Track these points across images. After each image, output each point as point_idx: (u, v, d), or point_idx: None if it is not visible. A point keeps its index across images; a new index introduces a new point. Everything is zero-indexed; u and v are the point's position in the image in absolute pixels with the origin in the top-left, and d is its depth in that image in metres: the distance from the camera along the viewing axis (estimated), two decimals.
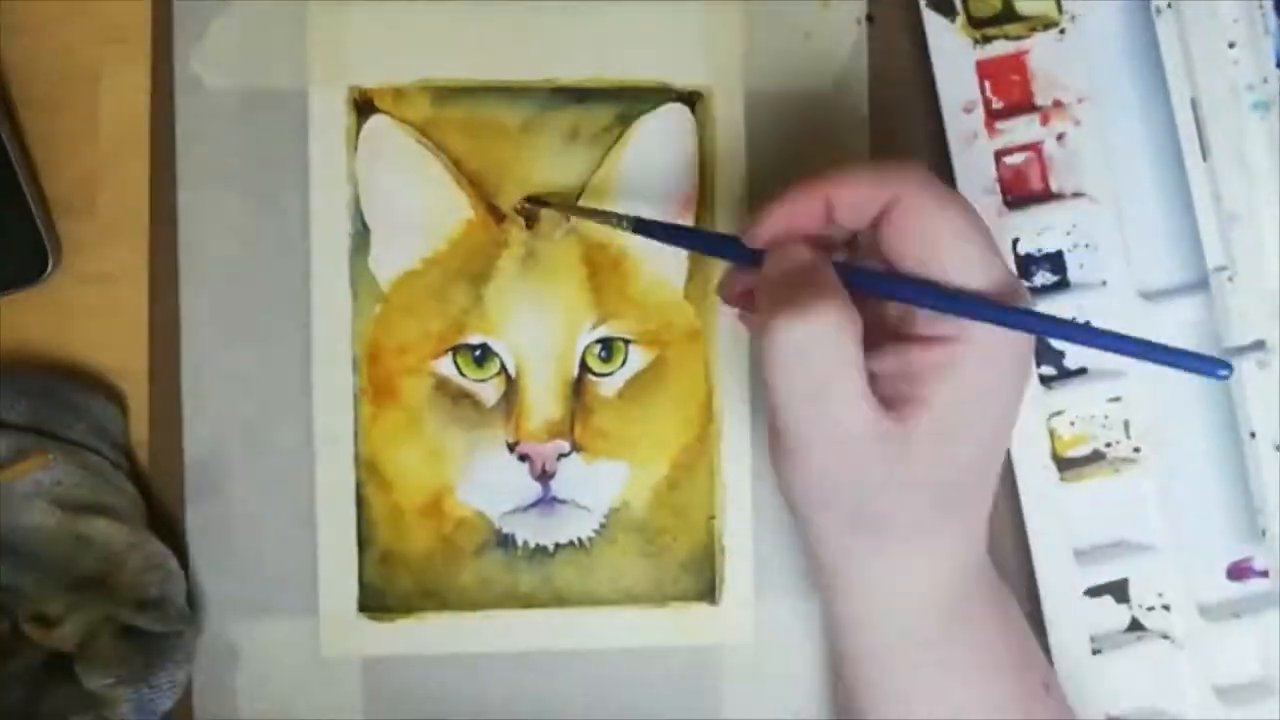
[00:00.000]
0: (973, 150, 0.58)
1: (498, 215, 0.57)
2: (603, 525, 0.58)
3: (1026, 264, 0.59)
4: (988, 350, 0.47)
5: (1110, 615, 0.59)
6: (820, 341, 0.46)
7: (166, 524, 0.57)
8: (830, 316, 0.46)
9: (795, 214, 0.49)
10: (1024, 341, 0.49)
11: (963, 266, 0.48)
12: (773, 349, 0.46)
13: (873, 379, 0.47)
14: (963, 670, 0.51)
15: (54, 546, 0.53)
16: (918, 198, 0.48)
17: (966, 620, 0.52)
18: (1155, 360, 0.46)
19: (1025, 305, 0.48)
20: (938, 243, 0.48)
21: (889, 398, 0.48)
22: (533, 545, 0.58)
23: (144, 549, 0.54)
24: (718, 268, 0.58)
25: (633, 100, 0.58)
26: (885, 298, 0.49)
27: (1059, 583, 0.58)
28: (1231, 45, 0.56)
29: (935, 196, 0.48)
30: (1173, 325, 0.59)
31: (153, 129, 0.57)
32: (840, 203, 0.49)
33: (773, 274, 0.49)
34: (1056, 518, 0.58)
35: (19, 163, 0.55)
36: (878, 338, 0.49)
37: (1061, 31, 0.58)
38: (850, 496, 0.49)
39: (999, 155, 0.58)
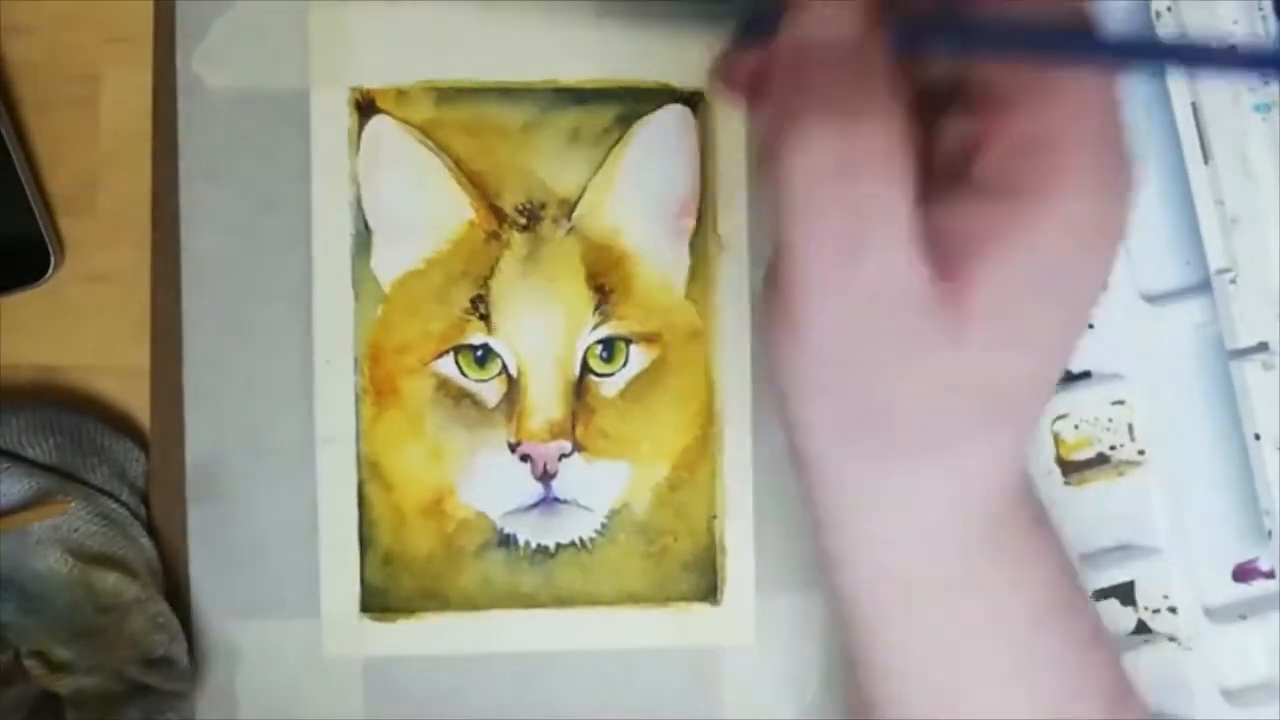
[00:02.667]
0: None
1: (499, 215, 0.60)
2: (604, 525, 0.60)
3: None
4: (1073, 212, 0.37)
5: (1116, 618, 0.61)
6: (868, 163, 0.36)
7: (167, 524, 0.60)
8: (884, 126, 0.36)
9: None
10: (1117, 210, 0.39)
11: None
12: (795, 164, 0.36)
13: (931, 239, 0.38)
14: (990, 618, 0.43)
15: (63, 595, 0.56)
16: None
17: (997, 557, 0.43)
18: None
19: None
20: None
21: (934, 267, 0.38)
22: (534, 545, 0.60)
23: (150, 608, 0.57)
24: (719, 268, 0.61)
25: (634, 101, 0.60)
26: (956, 55, 0.39)
27: None
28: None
29: None
30: (1175, 327, 0.61)
31: (154, 129, 0.59)
32: None
33: (800, 43, 0.37)
34: (1061, 521, 0.58)
35: (20, 162, 0.58)
36: (925, 184, 0.38)
37: None
38: (868, 383, 0.39)
39: None
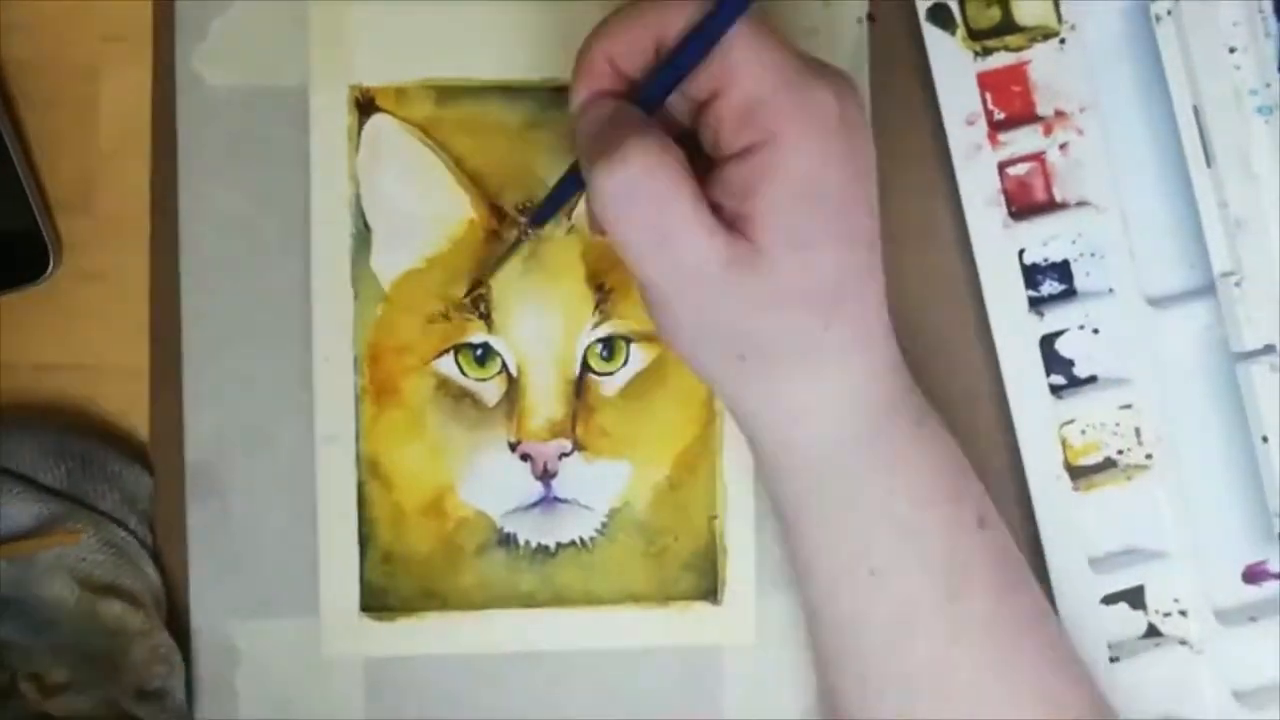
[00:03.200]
0: (976, 162, 0.61)
1: (499, 214, 0.61)
2: (604, 525, 0.62)
3: (1033, 274, 0.63)
4: (799, 138, 0.49)
5: (1127, 622, 0.62)
6: (642, 181, 0.48)
7: (168, 524, 0.61)
8: (642, 153, 0.48)
9: (595, 77, 0.52)
10: (830, 116, 0.50)
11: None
12: (599, 203, 0.49)
13: (714, 209, 0.50)
14: (879, 502, 0.53)
15: (68, 622, 0.57)
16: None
17: (880, 446, 0.54)
18: None
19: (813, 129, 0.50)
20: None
21: (731, 222, 0.50)
22: (534, 545, 0.62)
23: (152, 639, 0.58)
24: None
25: None
26: (674, 85, 0.51)
27: (1075, 591, 0.61)
28: (1232, 50, 0.60)
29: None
30: (1181, 331, 0.63)
31: (154, 127, 0.61)
32: (622, 50, 0.51)
33: (584, 134, 0.51)
34: (1070, 527, 0.62)
35: (19, 161, 0.59)
36: (706, 168, 0.51)
37: (1062, 41, 0.61)
38: (726, 330, 0.51)
39: (1002, 166, 0.61)
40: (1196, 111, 0.60)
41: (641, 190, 0.48)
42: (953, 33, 0.61)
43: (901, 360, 0.54)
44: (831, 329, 0.51)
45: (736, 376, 0.53)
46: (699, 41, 0.50)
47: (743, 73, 0.49)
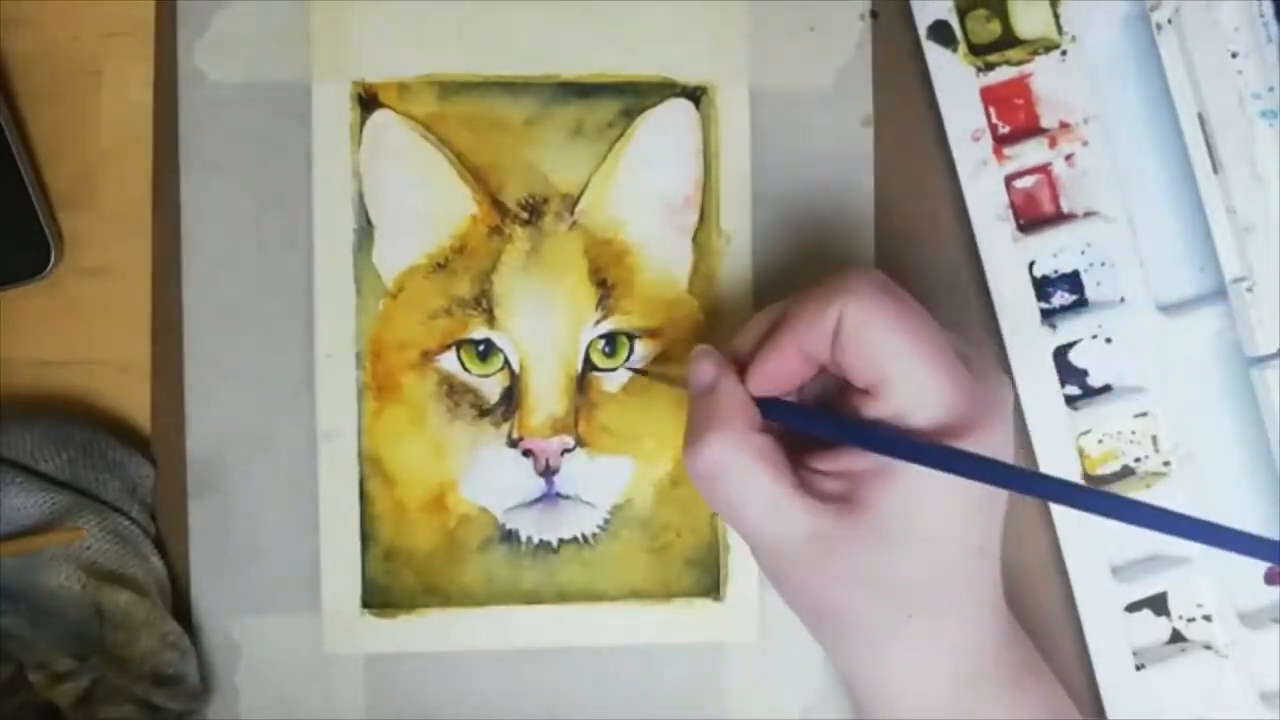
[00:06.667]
0: (983, 178, 0.66)
1: (502, 210, 0.65)
2: (607, 521, 0.66)
3: (1044, 285, 0.67)
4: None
5: (1151, 629, 0.67)
6: (717, 470, 0.54)
7: (169, 520, 0.64)
8: (720, 448, 0.54)
9: (774, 371, 0.56)
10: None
11: (912, 392, 0.52)
12: (690, 474, 0.55)
13: (822, 476, 0.55)
14: None
15: (73, 611, 0.61)
16: (861, 314, 0.53)
17: (970, 708, 0.56)
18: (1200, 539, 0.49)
19: (997, 428, 0.53)
20: (883, 365, 0.53)
21: (838, 494, 0.54)
22: (536, 541, 0.66)
23: (160, 627, 0.63)
24: (721, 262, 0.66)
25: (637, 95, 0.66)
26: (816, 434, 0.55)
27: (1098, 600, 0.66)
28: (1235, 55, 0.64)
29: (881, 311, 0.53)
30: (1194, 338, 0.67)
31: (156, 122, 0.65)
32: (802, 343, 0.55)
33: (691, 395, 0.57)
34: (1091, 535, 0.66)
35: (21, 156, 0.64)
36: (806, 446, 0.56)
37: (1063, 53, 0.66)
38: (803, 590, 0.56)
39: (1009, 180, 0.66)
40: (1201, 118, 0.64)
41: (717, 477, 0.54)
42: (954, 49, 0.66)
43: (1000, 619, 0.57)
44: (923, 620, 0.55)
45: (816, 629, 0.58)
46: (874, 441, 0.53)
47: (902, 405, 0.52)
